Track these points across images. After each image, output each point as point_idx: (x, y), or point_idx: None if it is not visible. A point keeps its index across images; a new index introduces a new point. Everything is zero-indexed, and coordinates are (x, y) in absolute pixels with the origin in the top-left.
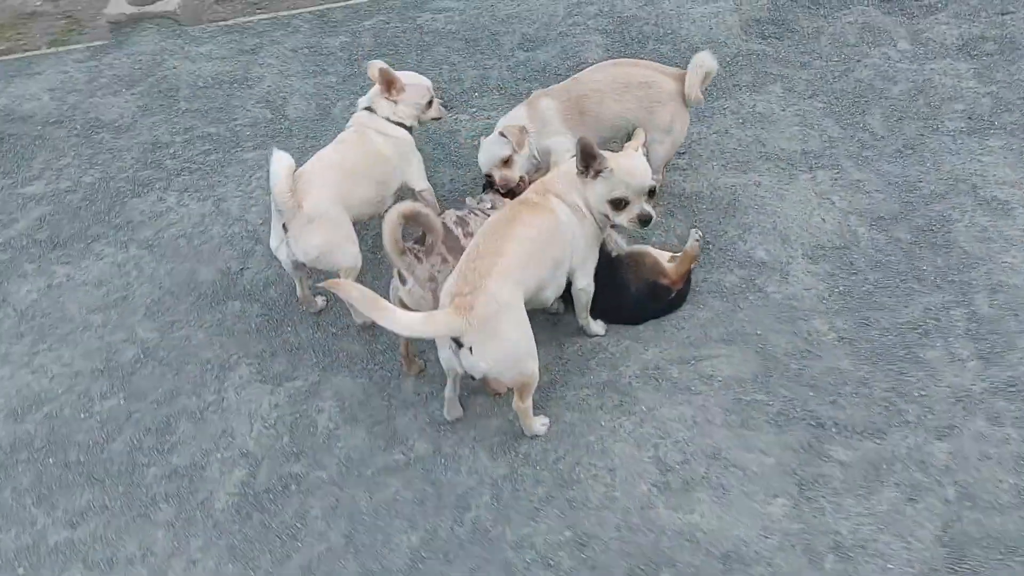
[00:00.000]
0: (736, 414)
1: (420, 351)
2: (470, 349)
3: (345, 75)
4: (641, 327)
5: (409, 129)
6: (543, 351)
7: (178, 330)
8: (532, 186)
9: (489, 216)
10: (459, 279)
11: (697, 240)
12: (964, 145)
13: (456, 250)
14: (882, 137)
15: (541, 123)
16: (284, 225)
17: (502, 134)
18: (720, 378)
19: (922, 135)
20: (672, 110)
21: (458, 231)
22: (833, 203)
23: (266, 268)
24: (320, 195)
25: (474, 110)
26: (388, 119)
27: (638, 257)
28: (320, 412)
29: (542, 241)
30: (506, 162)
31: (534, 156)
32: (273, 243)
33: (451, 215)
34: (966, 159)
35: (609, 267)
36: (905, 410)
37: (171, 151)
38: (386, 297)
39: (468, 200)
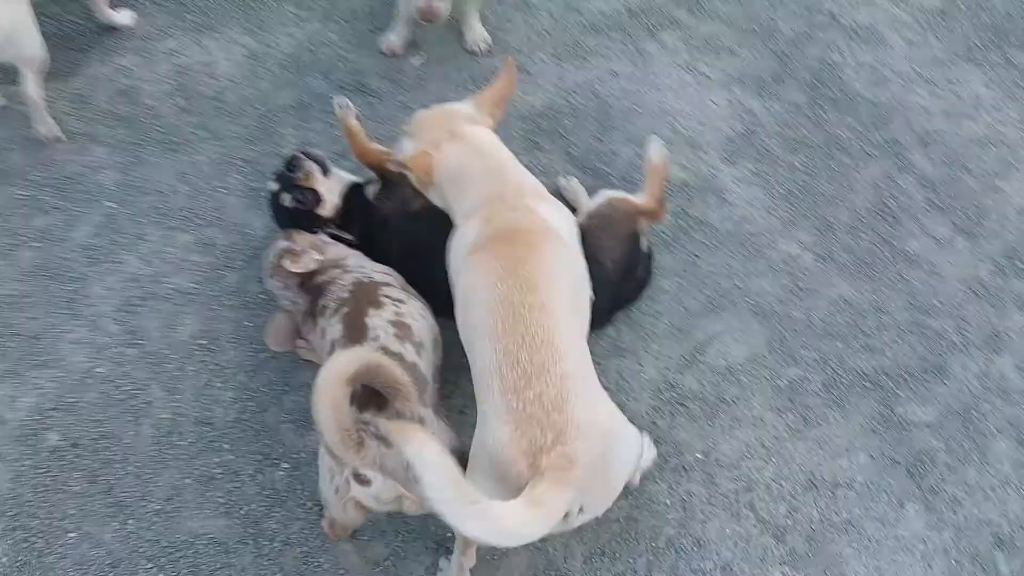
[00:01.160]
0: (790, 412)
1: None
2: (580, 509)
3: None
4: (613, 336)
5: None
6: None
7: None
8: (477, 192)
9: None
10: (526, 428)
11: (658, 148)
12: None
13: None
14: None
15: None
16: None
17: None
18: (740, 366)
19: None
20: None
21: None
22: (707, 76)
23: None
24: None
25: None
26: None
27: (608, 209)
28: None
29: (573, 283)
30: None
31: None
32: None
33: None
34: None
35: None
36: (940, 328)
37: None
38: None
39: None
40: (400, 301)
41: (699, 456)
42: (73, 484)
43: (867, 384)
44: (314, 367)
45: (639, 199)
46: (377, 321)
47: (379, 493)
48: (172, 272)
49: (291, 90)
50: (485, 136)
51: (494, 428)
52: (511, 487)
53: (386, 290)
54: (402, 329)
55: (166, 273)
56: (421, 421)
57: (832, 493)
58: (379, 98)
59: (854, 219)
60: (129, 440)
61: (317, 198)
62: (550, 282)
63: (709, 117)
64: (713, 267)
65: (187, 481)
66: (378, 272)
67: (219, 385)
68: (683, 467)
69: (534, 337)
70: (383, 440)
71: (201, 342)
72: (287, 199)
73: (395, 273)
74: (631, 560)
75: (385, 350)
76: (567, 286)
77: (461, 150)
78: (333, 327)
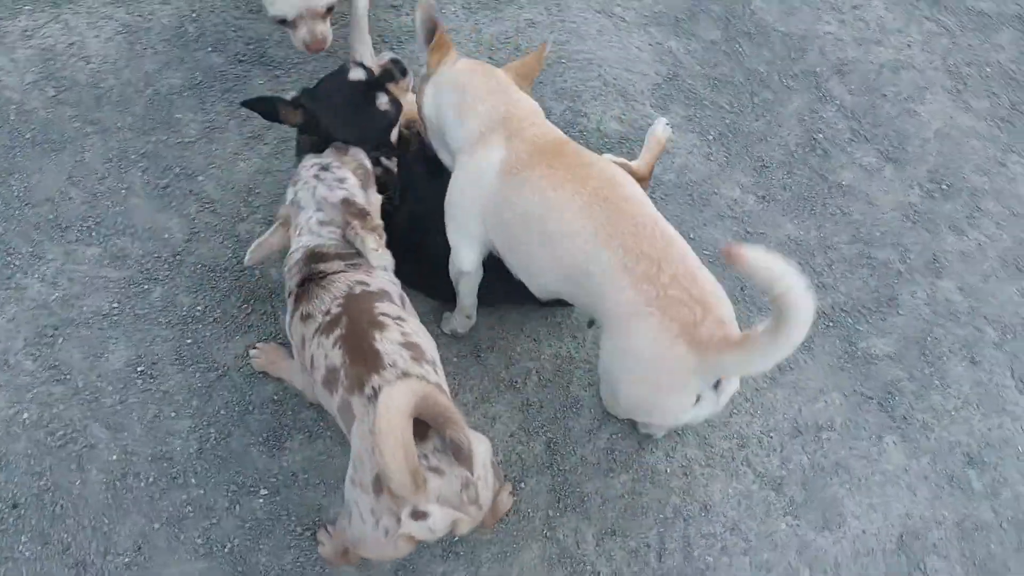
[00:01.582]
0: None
1: None
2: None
3: None
4: (590, 342)
5: None
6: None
7: None
8: (520, 114)
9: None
10: (673, 311)
11: (667, 125)
12: None
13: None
14: None
15: None
16: None
17: None
18: None
19: None
20: None
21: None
22: (623, 18)
23: None
24: None
25: None
26: None
27: None
28: None
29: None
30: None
31: None
32: None
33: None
34: None
35: None
36: (885, 259)
37: None
38: None
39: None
40: (400, 319)
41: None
42: (23, 549)
43: (828, 323)
44: (274, 380)
45: (635, 164)
46: (388, 346)
47: (435, 524)
48: (84, 293)
49: (180, 68)
50: (509, 83)
51: (637, 327)
52: (676, 377)
53: (381, 306)
54: (415, 350)
55: (78, 295)
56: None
57: (817, 437)
58: (284, 69)
59: (787, 155)
60: (77, 490)
61: (400, 111)
62: (623, 175)
63: (634, 63)
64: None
65: (155, 526)
66: (376, 280)
67: (171, 415)
68: (676, 433)
69: (643, 226)
70: (437, 471)
71: (139, 369)
72: (383, 100)
73: (396, 282)
74: (642, 535)
75: (406, 375)
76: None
77: (470, 64)
78: (327, 351)
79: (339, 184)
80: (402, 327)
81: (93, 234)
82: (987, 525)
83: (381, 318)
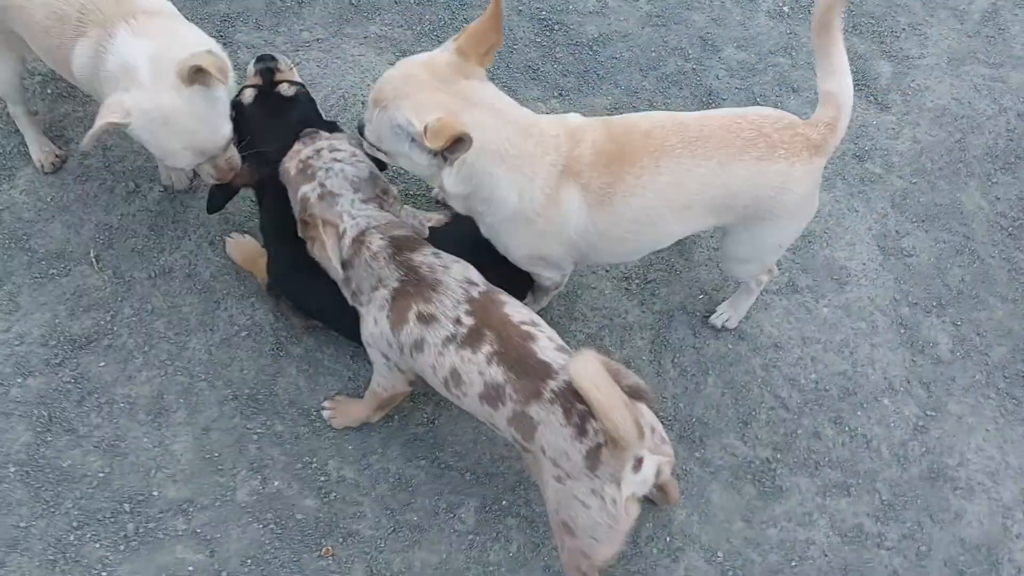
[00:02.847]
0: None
1: None
2: None
3: None
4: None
5: None
6: None
7: None
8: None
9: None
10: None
11: None
12: None
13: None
14: None
15: None
16: None
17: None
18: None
19: None
20: None
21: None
22: None
23: None
24: None
25: None
26: None
27: None
28: None
29: None
30: None
31: None
32: None
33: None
34: None
35: None
36: None
37: None
38: None
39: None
40: (535, 323)
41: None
42: None
43: None
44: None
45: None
46: (550, 354)
47: (647, 471)
48: None
49: None
50: (491, 92)
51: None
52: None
53: (512, 312)
54: (559, 342)
55: None
56: None
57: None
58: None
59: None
60: None
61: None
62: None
63: None
64: None
65: None
66: (467, 270)
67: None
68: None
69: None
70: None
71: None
72: (284, 88)
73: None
74: None
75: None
76: None
77: (484, 117)
78: (480, 368)
79: (358, 160)
80: (542, 330)
81: None
82: None
83: (524, 328)
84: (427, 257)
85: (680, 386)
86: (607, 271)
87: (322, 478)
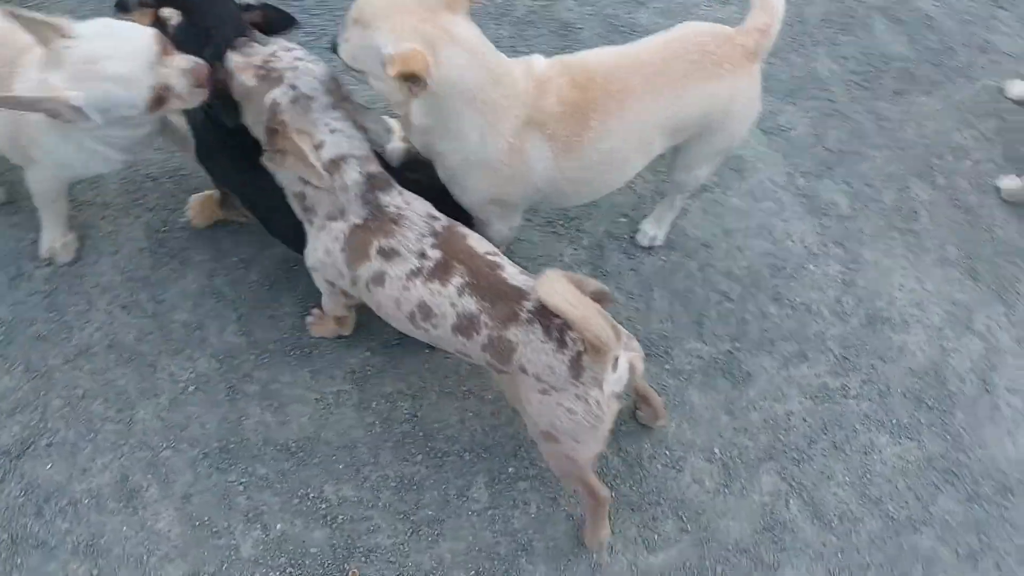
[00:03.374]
0: None
1: None
2: None
3: None
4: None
5: None
6: None
7: None
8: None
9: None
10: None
11: None
12: None
13: None
14: None
15: None
16: None
17: None
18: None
19: None
20: None
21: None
22: None
23: None
24: None
25: None
26: None
27: None
28: None
29: None
30: None
31: None
32: None
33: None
34: None
35: None
36: None
37: None
38: None
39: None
40: (495, 252)
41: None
42: None
43: None
44: None
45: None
46: (520, 278)
47: (621, 370)
48: None
49: None
50: (474, 33)
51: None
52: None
53: (474, 243)
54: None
55: None
56: None
57: None
58: None
59: None
60: None
61: None
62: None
63: None
64: None
65: None
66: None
67: None
68: None
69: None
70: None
71: None
72: None
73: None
74: None
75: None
76: None
77: (462, 57)
78: (452, 300)
79: (316, 60)
80: (504, 259)
81: None
82: None
83: (489, 258)
84: (394, 198)
85: (631, 308)
86: (530, 220)
87: (323, 506)
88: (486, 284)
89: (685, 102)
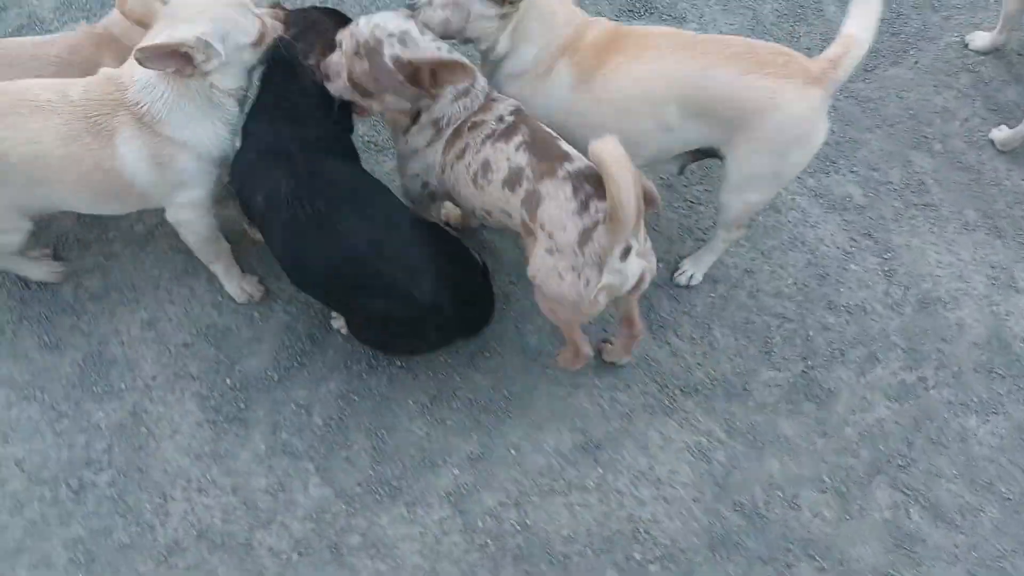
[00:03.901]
0: None
1: None
2: None
3: None
4: None
5: None
6: None
7: None
8: None
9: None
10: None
11: None
12: None
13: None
14: None
15: None
16: None
17: None
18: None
19: None
20: None
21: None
22: None
23: None
24: None
25: None
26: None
27: None
28: None
29: None
30: None
31: None
32: None
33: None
34: None
35: None
36: None
37: None
38: None
39: None
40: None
41: None
42: None
43: None
44: None
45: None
46: (571, 149)
47: (630, 268)
48: None
49: None
50: None
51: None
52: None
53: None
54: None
55: None
56: None
57: None
58: None
59: None
60: None
61: None
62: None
63: None
64: None
65: None
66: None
67: None
68: None
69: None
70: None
71: None
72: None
73: None
74: None
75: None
76: None
77: None
78: (509, 155)
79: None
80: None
81: None
82: None
83: (552, 133)
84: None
85: (697, 354)
86: None
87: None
88: (540, 143)
89: (708, 80)
